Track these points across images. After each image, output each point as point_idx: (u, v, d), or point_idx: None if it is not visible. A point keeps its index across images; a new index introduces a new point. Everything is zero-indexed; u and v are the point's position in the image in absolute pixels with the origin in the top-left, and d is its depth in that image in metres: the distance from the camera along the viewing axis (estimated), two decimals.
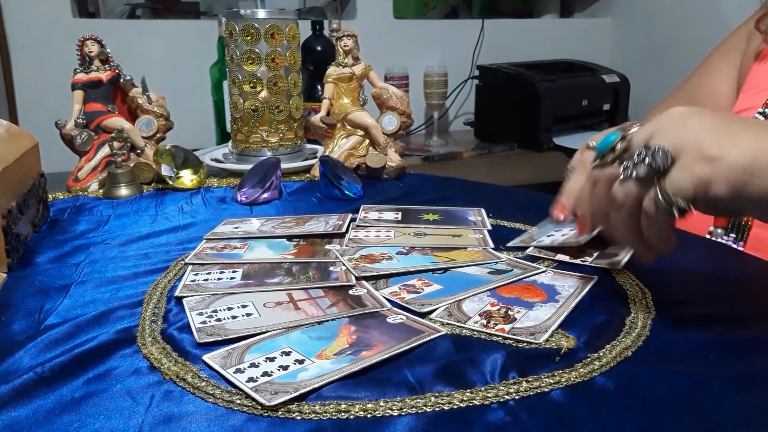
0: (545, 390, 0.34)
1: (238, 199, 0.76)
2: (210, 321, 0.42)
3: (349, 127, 0.90)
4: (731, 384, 0.34)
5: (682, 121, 0.38)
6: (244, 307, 0.44)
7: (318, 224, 0.63)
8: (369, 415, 0.32)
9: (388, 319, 0.42)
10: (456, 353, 0.38)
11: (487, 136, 1.73)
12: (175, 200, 0.77)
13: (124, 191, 0.79)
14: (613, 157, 0.40)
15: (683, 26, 1.68)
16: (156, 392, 0.35)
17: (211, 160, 0.94)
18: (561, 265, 0.52)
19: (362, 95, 0.93)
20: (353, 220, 0.65)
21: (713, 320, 0.41)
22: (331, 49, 1.32)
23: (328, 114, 0.91)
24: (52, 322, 0.43)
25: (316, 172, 0.85)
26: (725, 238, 0.63)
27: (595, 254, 0.53)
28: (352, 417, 0.32)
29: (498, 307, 0.43)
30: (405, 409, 0.32)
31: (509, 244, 0.57)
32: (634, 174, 0.37)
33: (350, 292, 0.47)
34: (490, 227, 0.61)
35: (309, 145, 1.01)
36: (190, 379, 0.35)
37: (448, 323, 0.42)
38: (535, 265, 0.51)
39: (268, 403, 0.32)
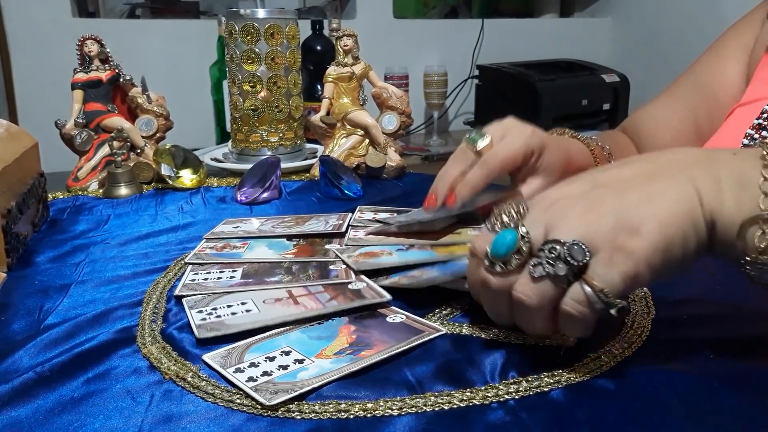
0: (545, 390, 0.34)
1: (238, 199, 0.76)
2: (210, 318, 0.42)
3: (349, 126, 0.90)
4: (731, 384, 0.34)
5: (579, 205, 0.34)
6: (243, 304, 0.44)
7: (318, 224, 0.63)
8: (369, 415, 0.32)
9: (387, 319, 0.42)
10: (456, 353, 0.38)
11: None
12: (174, 200, 0.77)
13: (123, 191, 0.79)
14: (519, 262, 0.34)
15: (683, 26, 1.68)
16: (156, 392, 0.35)
17: (211, 159, 0.94)
18: None
19: (362, 95, 0.93)
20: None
21: (713, 320, 0.41)
22: (330, 49, 1.32)
23: (327, 113, 0.91)
24: (51, 321, 0.43)
25: (315, 171, 0.85)
26: None
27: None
28: (352, 417, 0.32)
29: None
30: (405, 409, 0.32)
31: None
32: (550, 273, 0.33)
33: (349, 286, 0.47)
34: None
35: (309, 145, 1.01)
36: (189, 379, 0.35)
37: (446, 322, 0.42)
38: None
39: (267, 403, 0.32)
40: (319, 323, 0.42)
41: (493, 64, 1.74)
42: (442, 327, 0.41)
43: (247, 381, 0.34)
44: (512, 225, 0.35)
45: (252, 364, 0.36)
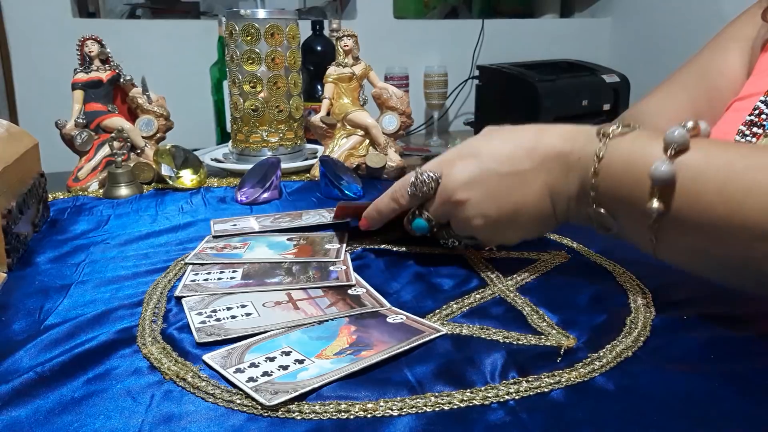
0: (545, 390, 0.34)
1: (238, 199, 0.76)
2: (209, 321, 0.42)
3: (349, 127, 0.90)
4: (731, 384, 0.34)
5: (476, 214, 0.48)
6: (243, 306, 0.44)
7: (315, 218, 0.63)
8: (369, 415, 0.32)
9: (388, 319, 0.42)
10: (456, 353, 0.38)
11: None
12: (175, 200, 0.77)
13: (124, 191, 0.79)
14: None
15: (683, 26, 1.68)
16: (156, 392, 0.35)
17: (211, 159, 0.94)
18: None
19: (362, 95, 0.93)
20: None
21: (713, 320, 0.41)
22: (331, 49, 1.32)
23: (328, 114, 0.91)
24: (52, 322, 0.43)
25: (316, 171, 0.85)
26: None
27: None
28: (352, 417, 0.32)
29: None
30: (405, 409, 0.32)
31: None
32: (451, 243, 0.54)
33: (349, 291, 0.47)
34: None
35: (309, 145, 1.02)
36: (190, 379, 0.35)
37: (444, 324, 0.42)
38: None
39: (268, 403, 0.32)
40: (319, 323, 0.42)
41: (493, 64, 1.74)
42: (442, 327, 0.41)
43: (247, 381, 0.34)
44: (424, 216, 0.51)
45: (252, 365, 0.36)
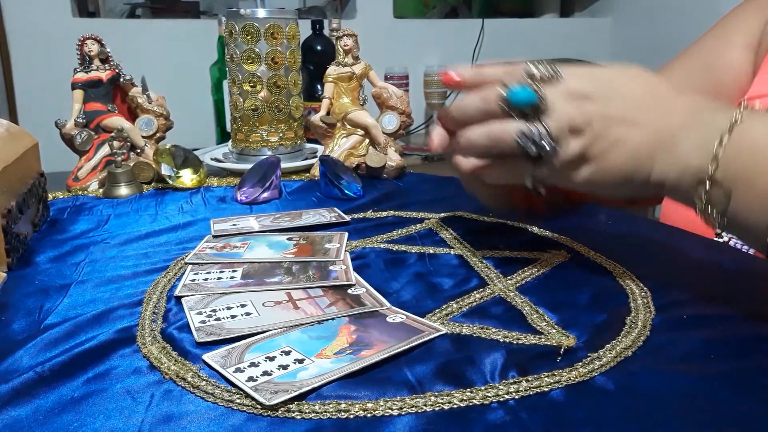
0: (545, 389, 0.34)
1: (238, 199, 0.76)
2: (209, 320, 0.42)
3: (349, 126, 0.90)
4: (731, 384, 0.34)
5: (593, 126, 0.41)
6: (243, 306, 0.44)
7: (314, 218, 0.63)
8: (369, 415, 0.32)
9: (387, 319, 0.42)
10: (456, 353, 0.38)
11: None
12: (175, 200, 0.77)
13: (124, 191, 0.79)
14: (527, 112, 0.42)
15: (683, 26, 1.68)
16: (156, 392, 0.35)
17: (211, 159, 0.94)
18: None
19: (362, 95, 0.93)
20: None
21: (713, 320, 0.41)
22: (331, 49, 1.32)
23: (328, 113, 0.91)
24: (51, 321, 0.43)
25: (316, 171, 0.85)
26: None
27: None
28: (351, 416, 0.32)
29: None
30: (405, 409, 0.32)
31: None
32: (531, 150, 0.41)
33: (349, 291, 0.47)
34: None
35: (309, 145, 1.02)
36: (189, 379, 0.35)
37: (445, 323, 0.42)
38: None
39: (267, 403, 0.32)
40: (318, 323, 0.42)
41: None
42: (442, 327, 0.41)
43: (247, 381, 0.34)
44: (539, 90, 0.42)
45: (252, 364, 0.36)
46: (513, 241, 0.58)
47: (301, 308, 0.44)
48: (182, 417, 0.32)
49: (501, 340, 0.39)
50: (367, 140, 0.90)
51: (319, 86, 1.15)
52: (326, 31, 1.48)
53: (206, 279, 0.50)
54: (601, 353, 0.37)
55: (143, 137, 0.89)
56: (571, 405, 0.32)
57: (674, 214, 0.65)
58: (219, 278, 0.50)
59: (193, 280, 0.50)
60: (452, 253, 0.56)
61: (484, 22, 1.87)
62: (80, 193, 0.81)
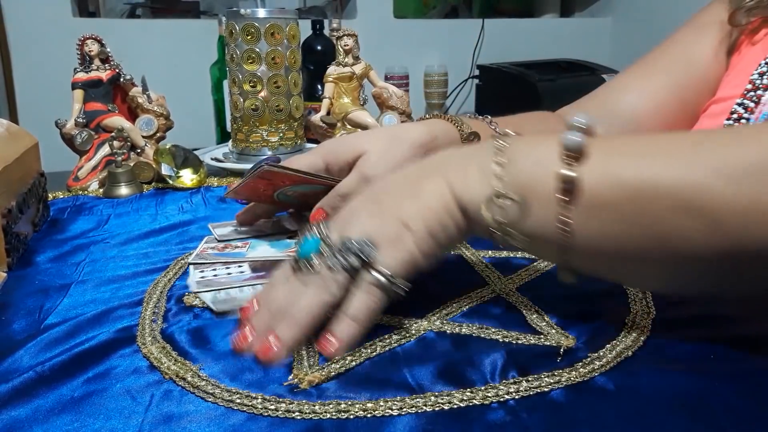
0: (545, 389, 0.34)
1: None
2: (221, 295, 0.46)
3: (349, 126, 0.91)
4: (731, 384, 0.34)
5: (364, 212, 0.42)
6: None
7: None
8: (369, 415, 0.32)
9: None
10: (456, 353, 0.38)
11: None
12: (175, 199, 0.77)
13: (124, 190, 0.79)
14: (319, 261, 0.40)
15: None
16: (156, 392, 0.35)
17: (211, 159, 0.94)
18: None
19: (362, 95, 0.93)
20: None
21: (713, 320, 0.41)
22: (331, 49, 1.32)
23: (328, 113, 0.91)
24: (52, 321, 0.43)
25: None
26: None
27: None
28: (352, 416, 0.32)
29: None
30: (405, 409, 0.32)
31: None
32: (345, 266, 0.39)
33: None
34: None
35: (309, 145, 1.01)
36: (189, 379, 0.35)
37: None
38: None
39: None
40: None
41: (493, 64, 1.74)
42: (443, 326, 0.41)
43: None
44: (316, 235, 0.41)
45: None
46: None
47: None
48: (182, 417, 0.32)
49: (501, 340, 0.39)
50: None
51: (319, 86, 1.15)
52: (326, 31, 1.48)
53: (216, 275, 0.50)
54: (601, 353, 0.37)
55: (143, 137, 0.89)
56: (571, 405, 0.32)
57: None
58: (229, 273, 0.50)
59: (204, 278, 0.50)
60: (452, 253, 0.56)
61: (484, 22, 1.87)
62: (80, 193, 0.81)
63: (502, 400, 0.33)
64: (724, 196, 0.32)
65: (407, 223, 0.40)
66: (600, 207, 0.35)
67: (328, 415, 0.32)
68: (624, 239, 0.35)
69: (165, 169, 0.81)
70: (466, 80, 1.85)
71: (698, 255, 0.34)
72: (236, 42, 0.88)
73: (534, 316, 0.43)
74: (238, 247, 0.57)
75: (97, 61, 0.88)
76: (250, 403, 0.33)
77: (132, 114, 0.92)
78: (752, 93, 0.57)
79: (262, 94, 0.90)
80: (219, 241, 0.61)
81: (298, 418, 0.32)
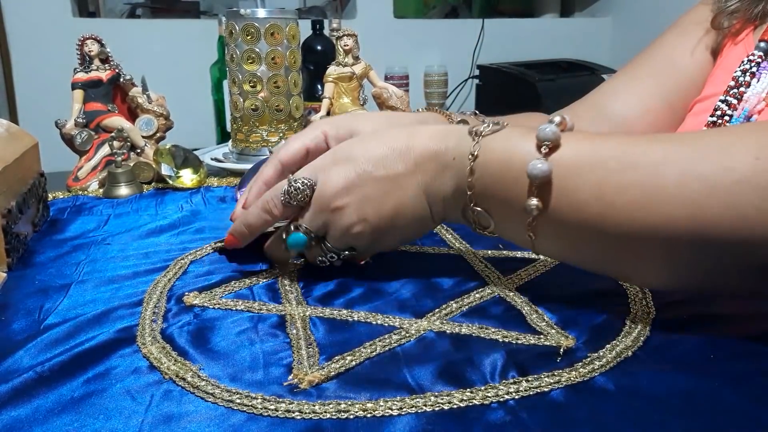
0: (545, 390, 0.34)
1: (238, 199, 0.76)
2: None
3: None
4: (731, 384, 0.34)
5: (346, 218, 0.46)
6: None
7: None
8: (369, 415, 0.32)
9: None
10: (456, 353, 0.38)
11: None
12: (175, 200, 0.77)
13: (124, 190, 0.79)
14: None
15: None
16: (156, 392, 0.35)
17: (211, 159, 0.94)
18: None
19: (362, 95, 0.93)
20: None
21: (713, 320, 0.41)
22: (331, 49, 1.32)
23: (328, 113, 0.91)
24: (51, 321, 0.43)
25: None
26: None
27: None
28: (352, 416, 0.32)
29: None
30: (405, 409, 0.32)
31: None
32: (336, 262, 0.49)
33: None
34: None
35: None
36: (189, 379, 0.35)
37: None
38: None
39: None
40: None
41: (493, 64, 1.74)
42: (443, 326, 0.41)
43: None
44: (302, 230, 0.47)
45: None
46: None
47: None
48: (182, 417, 0.32)
49: (501, 340, 0.39)
50: None
51: (319, 86, 1.15)
52: (326, 31, 1.48)
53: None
54: (601, 353, 0.37)
55: (143, 137, 0.89)
56: (571, 405, 0.32)
57: None
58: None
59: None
60: (452, 252, 0.56)
61: (484, 22, 1.87)
62: (80, 193, 0.81)
63: (502, 400, 0.33)
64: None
65: (390, 225, 0.46)
66: (563, 229, 0.39)
67: (328, 415, 0.32)
68: (584, 253, 0.41)
69: (165, 169, 0.81)
70: (466, 80, 1.85)
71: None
72: (236, 42, 0.88)
73: (534, 316, 0.43)
74: None
75: (97, 61, 0.88)
76: (250, 403, 0.33)
77: (132, 114, 0.92)
78: (735, 90, 0.58)
79: (262, 94, 0.90)
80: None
81: (298, 418, 0.32)
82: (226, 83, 1.20)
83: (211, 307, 0.45)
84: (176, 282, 0.50)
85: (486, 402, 0.33)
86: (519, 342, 0.39)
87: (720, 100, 0.59)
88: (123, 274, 0.52)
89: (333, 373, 0.36)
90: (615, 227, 0.37)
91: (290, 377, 0.35)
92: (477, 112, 0.61)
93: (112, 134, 0.82)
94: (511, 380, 0.35)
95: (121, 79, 0.90)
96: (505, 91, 1.68)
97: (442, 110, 0.60)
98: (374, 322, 0.42)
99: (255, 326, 0.42)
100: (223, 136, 1.37)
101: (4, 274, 0.53)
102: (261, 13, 0.87)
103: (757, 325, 0.40)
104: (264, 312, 0.44)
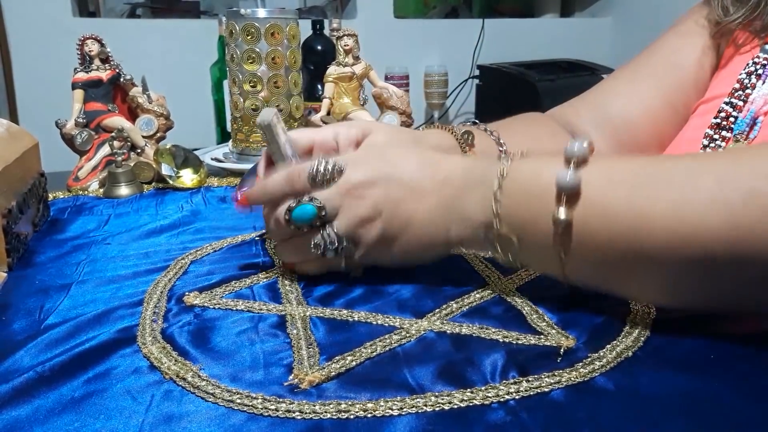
0: (545, 390, 0.34)
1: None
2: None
3: None
4: (731, 384, 0.34)
5: (364, 212, 0.46)
6: None
7: None
8: (369, 415, 0.32)
9: None
10: (456, 353, 0.38)
11: None
12: (175, 199, 0.77)
13: (124, 190, 0.79)
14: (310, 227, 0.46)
15: None
16: (156, 392, 0.35)
17: (212, 159, 0.94)
18: None
19: (362, 95, 0.93)
20: None
21: (713, 320, 0.41)
22: (331, 49, 1.32)
23: (328, 113, 0.91)
24: (52, 321, 0.43)
25: None
26: None
27: None
28: (352, 417, 0.32)
29: None
30: (405, 409, 0.32)
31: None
32: (331, 254, 0.47)
33: None
34: None
35: None
36: (190, 379, 0.35)
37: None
38: None
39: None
40: None
41: (493, 64, 1.74)
42: (443, 326, 0.41)
43: None
44: (315, 203, 0.45)
45: None
46: None
47: None
48: (182, 417, 0.32)
49: (501, 341, 0.39)
50: None
51: (319, 86, 1.15)
52: (327, 31, 1.48)
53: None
54: (601, 353, 0.37)
55: (143, 137, 0.89)
56: (572, 405, 0.32)
57: None
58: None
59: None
60: (452, 252, 0.56)
61: (484, 22, 1.87)
62: (80, 193, 0.81)
63: (502, 400, 0.33)
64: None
65: (399, 232, 0.46)
66: (593, 244, 0.38)
67: (329, 415, 0.32)
68: (618, 271, 0.39)
69: (165, 169, 0.81)
70: (466, 80, 1.85)
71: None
72: (236, 42, 0.88)
73: (534, 316, 0.43)
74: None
75: (97, 61, 0.88)
76: (250, 403, 0.33)
77: (132, 114, 0.92)
78: (740, 92, 0.58)
79: (262, 94, 0.90)
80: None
81: (299, 418, 0.32)
82: (226, 83, 1.20)
83: (211, 307, 0.45)
84: (176, 282, 0.50)
85: (486, 402, 0.33)
86: (519, 342, 0.39)
87: (724, 102, 0.59)
88: (123, 274, 0.52)
89: (333, 373, 0.36)
90: (648, 238, 0.36)
91: (290, 377, 0.35)
92: (477, 121, 0.62)
93: (113, 134, 0.82)
94: (512, 380, 0.35)
95: (122, 79, 0.90)
96: (505, 91, 1.68)
97: (444, 125, 0.61)
98: (374, 323, 0.42)
99: (255, 326, 0.42)
100: (223, 136, 1.37)
101: (5, 274, 0.53)
102: (261, 13, 0.87)
103: (757, 325, 0.40)
104: (264, 312, 0.44)
